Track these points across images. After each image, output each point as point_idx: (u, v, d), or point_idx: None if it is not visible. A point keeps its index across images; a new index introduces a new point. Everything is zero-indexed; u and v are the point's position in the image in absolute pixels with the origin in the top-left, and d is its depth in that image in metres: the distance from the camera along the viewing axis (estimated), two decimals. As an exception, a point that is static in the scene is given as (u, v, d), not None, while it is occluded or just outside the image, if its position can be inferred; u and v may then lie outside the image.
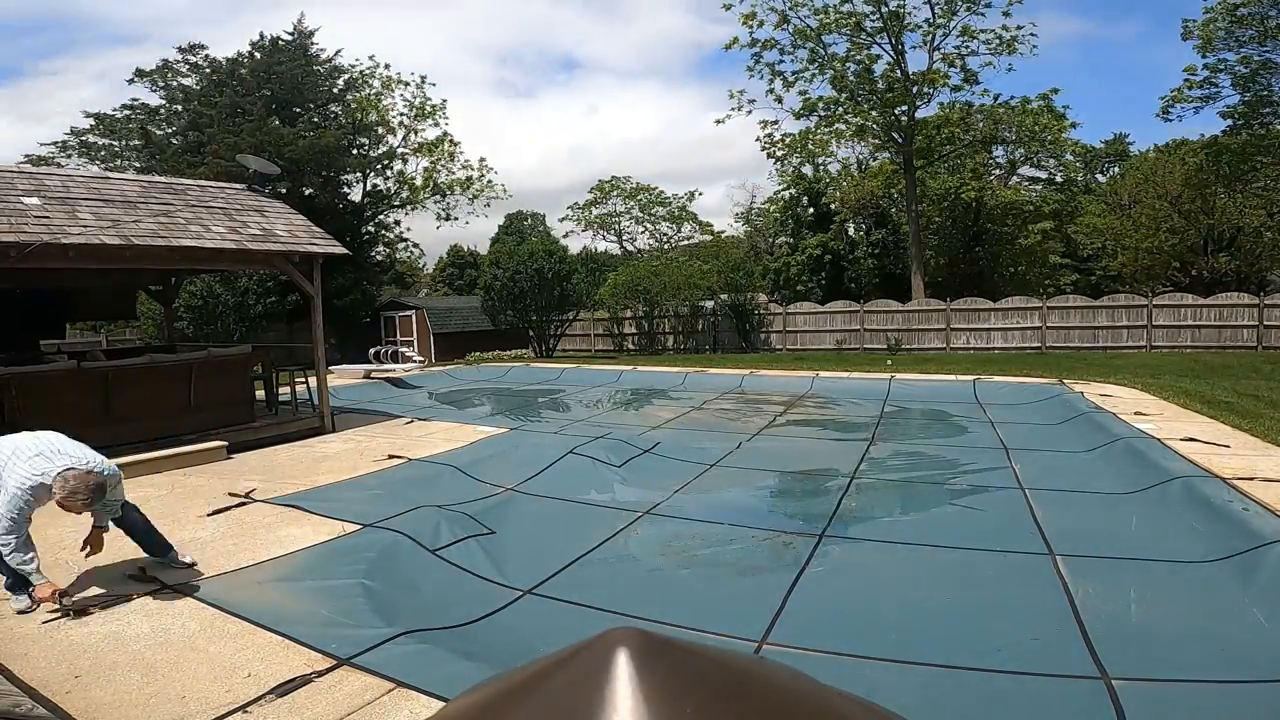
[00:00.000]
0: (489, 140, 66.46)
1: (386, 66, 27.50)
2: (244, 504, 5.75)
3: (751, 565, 5.04)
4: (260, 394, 10.18)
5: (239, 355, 9.47)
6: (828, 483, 6.95)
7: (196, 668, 3.08)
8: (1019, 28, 22.61)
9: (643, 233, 41.11)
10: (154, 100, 25.29)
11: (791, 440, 9.13)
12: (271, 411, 9.99)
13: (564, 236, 39.23)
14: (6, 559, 3.56)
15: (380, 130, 27.60)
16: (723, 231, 40.12)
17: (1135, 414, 8.68)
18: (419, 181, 29.05)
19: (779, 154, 27.51)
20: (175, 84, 25.14)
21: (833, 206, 30.81)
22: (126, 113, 25.23)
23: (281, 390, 10.58)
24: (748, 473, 7.50)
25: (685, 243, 40.41)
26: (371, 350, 20.06)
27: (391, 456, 7.51)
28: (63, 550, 4.54)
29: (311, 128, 25.05)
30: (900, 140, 24.85)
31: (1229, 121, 22.86)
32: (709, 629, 3.76)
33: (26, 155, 25.50)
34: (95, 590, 3.83)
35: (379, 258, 29.50)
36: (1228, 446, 6.80)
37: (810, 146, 26.77)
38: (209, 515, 5.42)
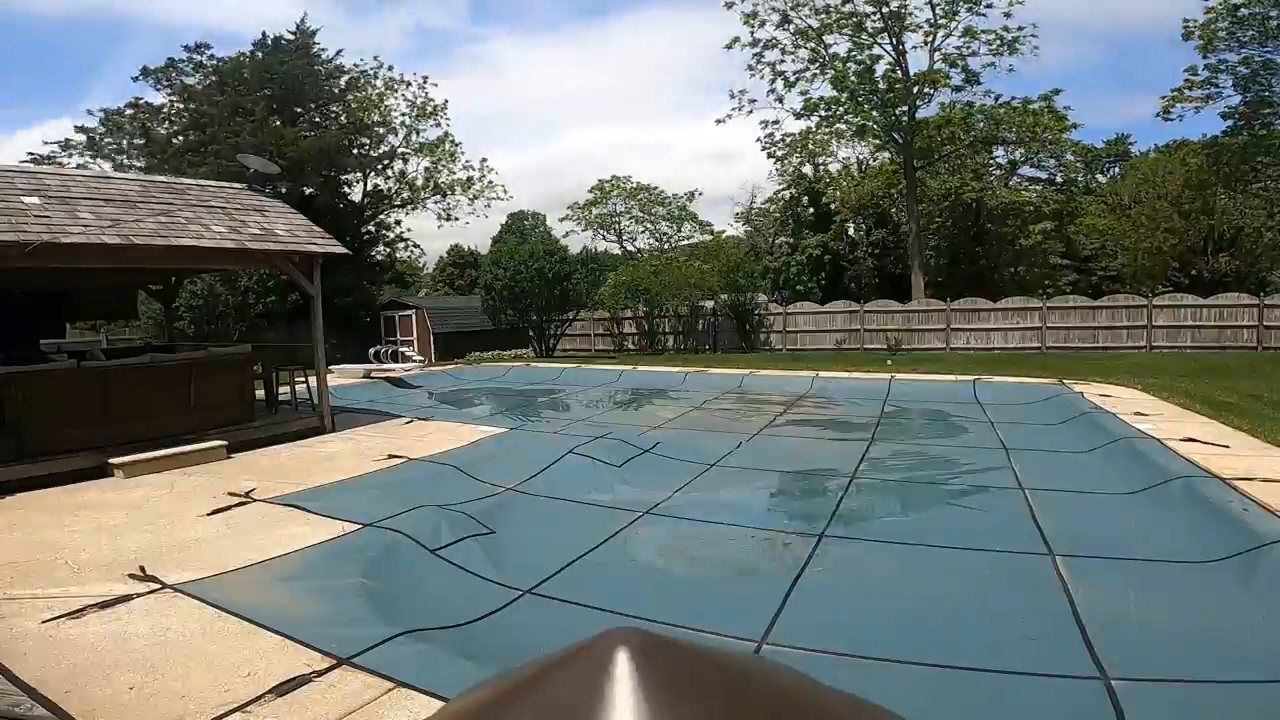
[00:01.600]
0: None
1: (390, 68, 27.57)
2: (244, 504, 5.75)
3: (751, 565, 5.04)
4: (260, 394, 10.18)
5: (239, 355, 9.46)
6: (827, 483, 6.95)
7: (196, 667, 3.08)
8: (1020, 28, 22.63)
9: (642, 232, 41.12)
10: (158, 99, 25.35)
11: (791, 440, 9.12)
12: (271, 411, 9.99)
13: (564, 236, 39.22)
14: None
15: (381, 130, 27.60)
16: (723, 231, 40.14)
17: (1135, 414, 8.67)
18: (420, 181, 29.06)
19: (779, 154, 27.55)
20: (179, 83, 25.15)
21: (833, 206, 30.78)
22: (131, 111, 25.23)
23: (281, 390, 10.58)
24: (748, 473, 7.50)
25: (685, 242, 40.37)
26: (371, 350, 20.03)
27: (391, 456, 7.51)
28: (63, 550, 4.54)
29: (312, 127, 25.06)
30: (901, 140, 24.83)
31: (1230, 122, 22.83)
32: (709, 629, 3.76)
33: (30, 154, 25.50)
34: (95, 590, 3.83)
35: (379, 257, 29.48)
36: (1227, 447, 6.80)
37: (811, 146, 26.78)
38: (209, 515, 5.42)
